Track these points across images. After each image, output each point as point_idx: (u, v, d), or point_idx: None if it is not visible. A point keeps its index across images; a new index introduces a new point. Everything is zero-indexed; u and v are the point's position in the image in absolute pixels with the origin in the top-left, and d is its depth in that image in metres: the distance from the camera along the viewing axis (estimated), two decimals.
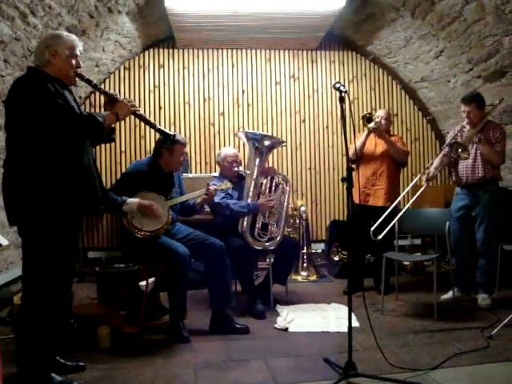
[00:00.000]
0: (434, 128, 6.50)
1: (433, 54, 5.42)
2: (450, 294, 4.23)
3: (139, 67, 6.01)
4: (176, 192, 3.84)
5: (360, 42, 6.16)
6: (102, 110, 2.87)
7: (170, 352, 3.19)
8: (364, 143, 4.52)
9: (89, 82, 2.84)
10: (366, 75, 6.44)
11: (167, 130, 3.04)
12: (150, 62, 6.06)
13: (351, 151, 4.27)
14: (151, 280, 3.84)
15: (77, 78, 2.76)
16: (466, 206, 4.17)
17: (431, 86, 6.00)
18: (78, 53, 2.72)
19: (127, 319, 3.53)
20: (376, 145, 4.62)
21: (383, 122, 4.57)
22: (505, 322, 3.39)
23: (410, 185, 4.59)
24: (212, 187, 3.90)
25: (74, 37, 2.75)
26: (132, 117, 2.93)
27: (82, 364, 2.91)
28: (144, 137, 5.95)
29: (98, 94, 5.54)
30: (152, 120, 3.05)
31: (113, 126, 2.88)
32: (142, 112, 2.97)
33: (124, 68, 5.92)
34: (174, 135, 3.07)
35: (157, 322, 3.73)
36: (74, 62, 2.70)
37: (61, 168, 2.54)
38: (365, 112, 4.68)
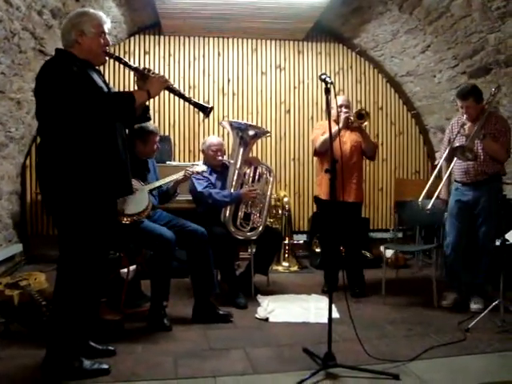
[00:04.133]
0: (419, 122, 6.54)
1: (419, 48, 5.43)
2: (450, 299, 3.95)
3: (124, 53, 5.94)
4: (152, 178, 3.82)
5: (347, 34, 6.16)
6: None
7: (150, 340, 3.18)
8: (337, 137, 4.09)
9: (118, 59, 2.78)
10: (351, 67, 6.45)
11: (203, 103, 3.00)
12: (135, 49, 6.00)
13: (319, 143, 4.22)
14: (132, 267, 3.82)
15: (106, 57, 2.70)
16: (468, 203, 3.89)
17: (417, 81, 6.02)
18: (105, 30, 2.64)
19: (108, 306, 3.51)
20: (345, 139, 4.31)
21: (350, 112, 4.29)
22: (481, 315, 3.45)
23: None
24: (189, 170, 3.90)
25: (100, 13, 2.67)
26: None
27: (111, 348, 2.90)
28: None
29: None
30: (187, 94, 3.00)
31: (146, 103, 2.83)
32: (175, 86, 2.90)
33: None
34: (212, 108, 3.00)
35: (138, 310, 3.72)
36: (101, 40, 2.62)
37: (94, 154, 2.51)
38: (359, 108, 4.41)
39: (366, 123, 4.25)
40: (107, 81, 2.85)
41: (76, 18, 2.60)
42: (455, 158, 3.86)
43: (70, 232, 2.56)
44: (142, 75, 2.74)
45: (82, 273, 2.55)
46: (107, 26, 2.67)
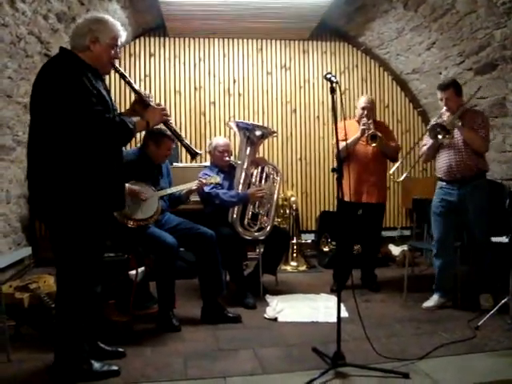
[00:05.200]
0: (425, 120, 6.51)
1: (424, 45, 5.42)
2: (432, 302, 3.91)
3: (130, 55, 5.97)
4: (165, 182, 3.83)
5: (352, 32, 6.15)
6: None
7: (159, 341, 3.19)
8: (357, 141, 4.28)
9: (123, 76, 2.74)
10: (357, 66, 6.45)
11: (194, 147, 3.04)
12: (140, 51, 6.02)
13: (341, 147, 4.20)
14: (141, 269, 3.84)
15: (112, 69, 2.67)
16: (453, 202, 3.85)
17: (422, 78, 6.00)
18: (119, 43, 2.62)
19: (117, 308, 3.52)
20: (367, 142, 4.33)
21: (370, 120, 4.30)
22: (490, 312, 3.44)
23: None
24: (203, 180, 3.92)
25: (118, 25, 2.62)
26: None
27: (121, 350, 2.91)
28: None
29: None
30: (181, 134, 3.04)
31: None
32: (172, 122, 2.93)
33: None
34: (200, 154, 3.10)
35: (147, 311, 3.73)
36: (112, 52, 2.59)
37: (91, 165, 2.45)
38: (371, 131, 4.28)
39: (374, 144, 4.24)
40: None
41: (95, 23, 2.53)
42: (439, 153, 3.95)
43: (60, 238, 2.53)
44: (142, 100, 2.74)
45: (76, 275, 2.53)
46: (121, 40, 2.64)
